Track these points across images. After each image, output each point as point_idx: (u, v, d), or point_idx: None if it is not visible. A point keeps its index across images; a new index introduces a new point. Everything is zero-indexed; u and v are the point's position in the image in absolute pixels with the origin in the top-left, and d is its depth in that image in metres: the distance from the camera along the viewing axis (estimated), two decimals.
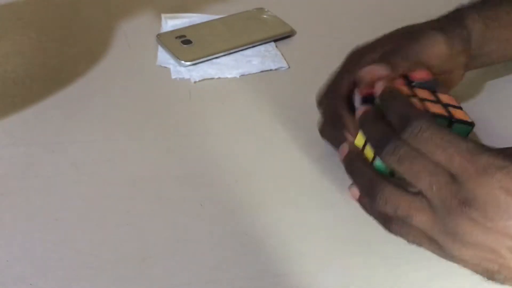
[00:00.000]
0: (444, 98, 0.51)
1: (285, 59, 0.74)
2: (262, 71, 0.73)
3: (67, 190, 0.57)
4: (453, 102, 0.51)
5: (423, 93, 0.51)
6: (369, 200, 0.47)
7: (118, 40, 0.77)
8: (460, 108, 0.50)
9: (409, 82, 0.52)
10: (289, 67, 0.73)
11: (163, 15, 0.81)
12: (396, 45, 0.57)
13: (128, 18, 0.81)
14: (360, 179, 0.48)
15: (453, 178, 0.41)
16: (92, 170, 0.59)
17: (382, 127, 0.46)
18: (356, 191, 0.49)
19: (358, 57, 0.58)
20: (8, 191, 0.56)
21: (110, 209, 0.55)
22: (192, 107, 0.67)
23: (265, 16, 0.82)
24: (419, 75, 0.53)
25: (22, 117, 0.65)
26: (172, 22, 0.80)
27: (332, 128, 0.57)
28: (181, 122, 0.65)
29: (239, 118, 0.66)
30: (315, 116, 0.60)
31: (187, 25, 0.79)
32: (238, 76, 0.72)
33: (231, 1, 0.85)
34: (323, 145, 0.61)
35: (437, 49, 0.56)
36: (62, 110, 0.66)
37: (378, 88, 0.49)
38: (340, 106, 0.55)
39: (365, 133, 0.49)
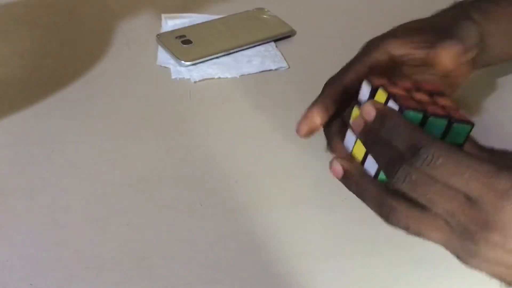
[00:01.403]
0: (443, 101, 0.50)
1: (285, 59, 0.74)
2: (262, 71, 0.73)
3: (67, 190, 0.57)
4: (452, 105, 0.50)
5: (420, 96, 0.49)
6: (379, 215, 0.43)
7: (118, 40, 0.77)
8: (458, 109, 0.49)
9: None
10: (289, 67, 0.73)
11: (163, 15, 0.81)
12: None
13: (128, 18, 0.81)
14: (367, 198, 0.44)
15: (471, 201, 0.39)
16: (92, 170, 0.59)
17: (390, 150, 0.42)
18: (339, 168, 0.45)
19: (374, 47, 0.56)
20: (8, 191, 0.56)
21: (110, 209, 0.55)
22: (192, 107, 0.67)
23: (265, 16, 0.82)
24: (427, 85, 0.51)
25: (22, 117, 0.65)
26: (172, 22, 0.80)
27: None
28: (181, 122, 0.65)
29: (239, 118, 0.66)
30: None
31: (187, 25, 0.79)
32: (238, 76, 0.72)
33: (231, 1, 0.85)
34: (323, 145, 0.61)
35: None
36: (62, 110, 0.66)
37: (368, 112, 0.44)
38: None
39: (371, 152, 0.44)
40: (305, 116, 0.53)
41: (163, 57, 0.74)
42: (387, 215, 0.42)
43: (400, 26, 0.59)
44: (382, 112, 0.43)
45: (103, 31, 0.79)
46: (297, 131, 0.52)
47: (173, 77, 0.71)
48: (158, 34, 0.77)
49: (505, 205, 0.38)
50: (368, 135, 0.44)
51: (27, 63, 0.73)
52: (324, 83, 0.55)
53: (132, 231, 0.53)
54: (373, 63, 0.55)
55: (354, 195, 0.56)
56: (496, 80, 0.71)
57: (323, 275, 0.50)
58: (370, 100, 0.44)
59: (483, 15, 0.60)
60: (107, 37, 0.77)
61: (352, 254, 0.51)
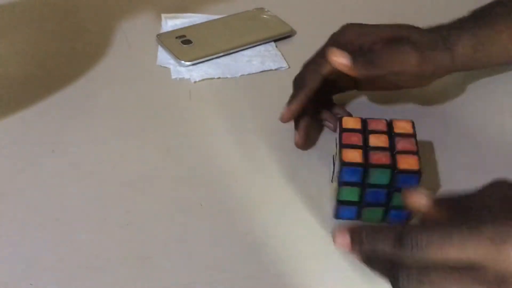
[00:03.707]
0: (402, 144, 0.52)
1: (285, 59, 0.74)
2: (262, 71, 0.73)
3: (67, 190, 0.57)
4: (410, 148, 0.52)
5: (377, 140, 0.52)
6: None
7: (118, 40, 0.77)
8: (415, 153, 0.51)
9: (390, 131, 0.53)
10: (289, 67, 0.73)
11: (163, 15, 0.81)
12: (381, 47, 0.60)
13: (128, 18, 0.81)
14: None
15: (475, 267, 0.40)
16: (92, 170, 0.59)
17: (383, 263, 0.43)
18: (343, 240, 0.45)
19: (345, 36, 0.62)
20: (8, 191, 0.56)
21: (110, 209, 0.55)
22: (192, 107, 0.67)
23: (265, 16, 0.82)
24: (402, 126, 0.54)
25: (22, 117, 0.65)
26: (172, 22, 0.80)
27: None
28: (181, 122, 0.65)
29: (239, 118, 0.66)
30: None
31: (187, 25, 0.79)
32: (238, 76, 0.72)
33: (231, 1, 0.85)
34: (323, 145, 0.62)
35: (408, 67, 0.59)
36: (62, 110, 0.66)
37: (342, 241, 0.45)
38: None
39: (372, 270, 0.45)
40: (293, 108, 0.59)
41: (163, 57, 0.74)
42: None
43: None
44: (355, 234, 0.44)
45: (103, 31, 0.79)
46: (282, 119, 0.60)
47: (173, 77, 0.71)
48: (158, 34, 0.77)
49: (502, 253, 0.39)
50: (359, 255, 0.45)
51: (27, 63, 0.73)
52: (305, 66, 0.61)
53: (132, 231, 0.53)
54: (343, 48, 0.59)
55: None
56: (493, 78, 0.71)
57: (323, 275, 0.50)
58: (339, 229, 0.46)
59: (470, 43, 0.62)
60: (107, 37, 0.77)
61: (352, 254, 0.51)
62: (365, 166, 0.50)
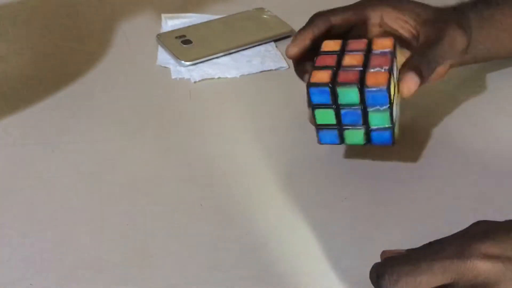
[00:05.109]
0: (376, 61, 0.50)
1: (285, 59, 0.74)
2: (262, 71, 0.73)
3: (67, 190, 0.57)
4: (384, 64, 0.50)
5: (352, 60, 0.51)
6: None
7: (118, 40, 0.77)
8: (387, 70, 0.49)
9: (368, 49, 0.52)
10: (289, 67, 0.73)
11: (163, 15, 0.81)
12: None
13: (128, 18, 0.81)
14: None
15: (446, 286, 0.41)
16: (92, 170, 0.59)
17: None
18: None
19: (371, 5, 0.58)
20: (8, 191, 0.56)
21: (110, 209, 0.55)
22: (192, 107, 0.67)
23: (265, 16, 0.82)
24: (381, 44, 0.52)
25: (22, 117, 0.65)
26: (172, 22, 0.80)
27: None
28: (181, 122, 0.65)
29: (239, 118, 0.66)
30: None
31: (187, 25, 0.80)
32: (238, 76, 0.72)
33: (231, 1, 0.85)
34: (323, 145, 0.61)
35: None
36: (62, 110, 0.66)
37: None
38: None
39: None
40: (296, 39, 0.56)
41: (163, 57, 0.74)
42: None
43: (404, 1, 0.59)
44: None
45: (103, 31, 0.79)
46: (288, 52, 0.56)
47: (173, 77, 0.71)
48: (158, 34, 0.77)
49: (468, 262, 0.40)
50: None
51: (27, 63, 0.73)
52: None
53: (132, 231, 0.53)
54: (363, 18, 0.57)
55: (353, 196, 0.56)
56: (488, 82, 0.71)
57: (323, 275, 0.50)
58: None
59: (477, 21, 0.60)
60: (107, 37, 0.77)
61: (352, 254, 0.51)
62: (331, 85, 0.49)
